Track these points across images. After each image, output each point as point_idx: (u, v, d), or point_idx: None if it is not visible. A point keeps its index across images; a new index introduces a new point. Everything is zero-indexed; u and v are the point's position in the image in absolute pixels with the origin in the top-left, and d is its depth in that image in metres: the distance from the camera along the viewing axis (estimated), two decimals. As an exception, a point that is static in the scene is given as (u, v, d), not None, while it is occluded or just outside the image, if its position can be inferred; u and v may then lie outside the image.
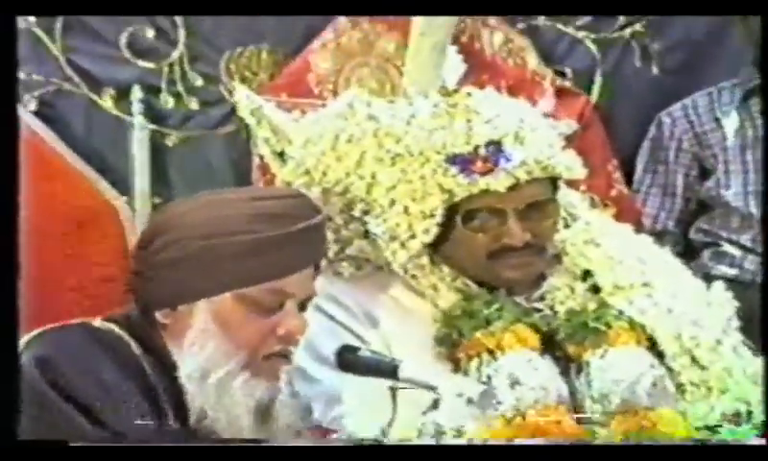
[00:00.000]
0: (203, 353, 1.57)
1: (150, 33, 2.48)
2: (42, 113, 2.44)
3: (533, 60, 2.66)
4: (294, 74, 2.50)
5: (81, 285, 2.27)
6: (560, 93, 2.65)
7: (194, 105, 2.54)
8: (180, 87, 2.52)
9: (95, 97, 2.48)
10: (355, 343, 1.74)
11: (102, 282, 2.27)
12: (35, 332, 1.55)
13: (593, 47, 2.78)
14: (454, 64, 2.30)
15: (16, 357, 1.45)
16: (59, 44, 2.43)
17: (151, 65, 2.50)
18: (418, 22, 2.08)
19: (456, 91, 1.93)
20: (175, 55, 2.51)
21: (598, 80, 2.78)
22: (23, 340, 1.52)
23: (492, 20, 2.64)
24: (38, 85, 2.44)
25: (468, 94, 1.90)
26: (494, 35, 2.63)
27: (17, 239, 1.45)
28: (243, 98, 1.94)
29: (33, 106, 2.43)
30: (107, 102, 2.48)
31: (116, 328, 1.59)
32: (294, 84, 2.47)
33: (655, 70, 2.81)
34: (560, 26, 2.74)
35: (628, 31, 2.77)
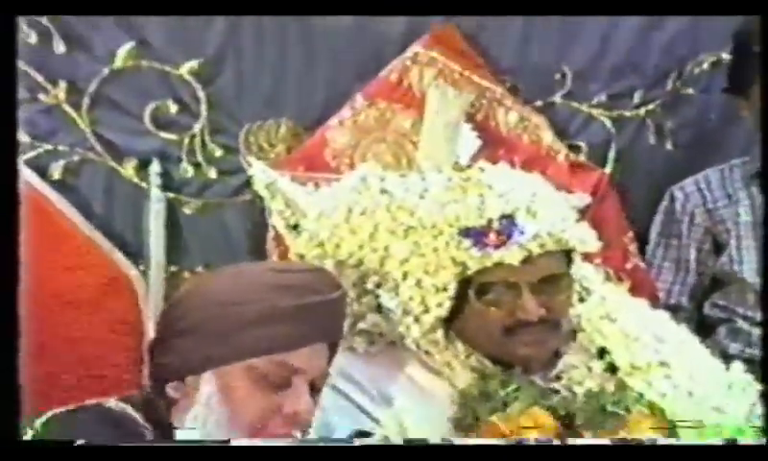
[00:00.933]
0: (203, 429, 1.54)
1: (173, 108, 2.53)
2: (66, 182, 2.50)
3: (548, 137, 2.69)
4: (311, 149, 2.54)
5: (90, 358, 2.27)
6: (574, 168, 2.68)
7: (213, 174, 2.58)
8: (199, 157, 2.57)
9: (117, 166, 2.52)
10: (369, 423, 1.73)
11: (112, 354, 2.28)
12: (48, 414, 1.54)
13: (608, 123, 2.80)
14: (469, 140, 2.33)
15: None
16: (85, 118, 2.50)
17: (173, 137, 2.55)
18: (432, 100, 2.12)
19: (469, 166, 1.96)
20: (196, 127, 2.56)
21: (612, 154, 2.80)
22: (37, 423, 1.51)
23: (508, 100, 2.68)
24: (64, 155, 2.50)
25: (481, 169, 1.93)
26: (510, 113, 2.66)
27: (18, 310, 1.45)
28: (258, 172, 1.98)
29: (57, 174, 2.49)
30: (128, 171, 2.53)
31: (130, 410, 1.58)
32: (311, 159, 2.51)
33: (669, 146, 2.84)
34: (575, 104, 2.77)
35: (643, 109, 2.80)
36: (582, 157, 2.77)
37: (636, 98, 2.80)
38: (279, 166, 2.40)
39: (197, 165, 2.57)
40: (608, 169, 2.77)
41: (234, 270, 1.75)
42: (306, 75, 2.60)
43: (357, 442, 1.56)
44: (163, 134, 2.54)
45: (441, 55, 2.60)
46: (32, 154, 2.47)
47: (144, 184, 2.53)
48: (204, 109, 2.55)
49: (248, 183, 2.39)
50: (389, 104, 2.57)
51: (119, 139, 2.52)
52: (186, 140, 2.55)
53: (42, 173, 2.47)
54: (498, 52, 2.71)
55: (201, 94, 2.54)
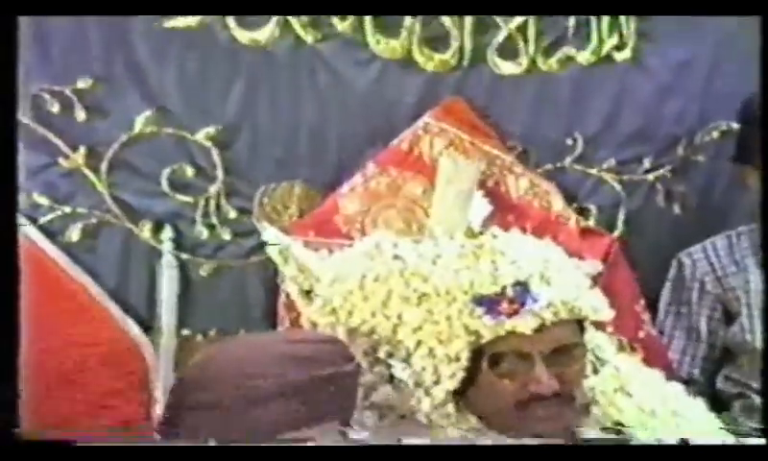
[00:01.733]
0: None
1: (190, 172, 2.57)
2: (83, 244, 2.53)
3: (558, 203, 2.72)
4: (322, 214, 2.57)
5: (94, 427, 2.26)
6: (585, 233, 2.70)
7: (227, 235, 2.61)
8: (214, 219, 2.60)
9: (133, 227, 2.55)
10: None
11: (117, 425, 2.27)
12: None
13: (618, 187, 2.83)
14: (480, 206, 2.36)
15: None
16: (104, 181, 2.53)
17: (188, 199, 2.58)
18: (444, 170, 2.15)
19: (482, 233, 1.98)
20: (212, 190, 2.59)
21: (622, 217, 2.83)
22: None
23: (518, 167, 2.71)
24: (82, 217, 2.54)
25: (494, 236, 1.94)
26: (520, 180, 2.70)
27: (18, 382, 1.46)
28: (271, 238, 1.99)
29: (75, 236, 2.52)
30: (144, 233, 2.56)
31: None
32: (322, 224, 2.54)
33: (677, 210, 2.86)
34: (586, 168, 2.80)
35: (652, 174, 2.83)
36: (591, 221, 2.80)
37: (646, 163, 2.83)
38: (291, 231, 2.43)
39: (211, 227, 2.60)
40: (617, 232, 2.81)
41: (248, 340, 1.74)
42: (319, 139, 2.64)
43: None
44: (179, 197, 2.58)
45: (451, 125, 2.66)
46: (50, 216, 2.50)
47: (159, 246, 2.56)
48: (220, 172, 2.59)
49: (261, 245, 2.42)
50: (400, 171, 2.61)
51: (136, 201, 2.56)
52: (201, 202, 2.59)
53: (60, 235, 2.50)
54: (509, 119, 2.75)
55: (217, 158, 2.58)
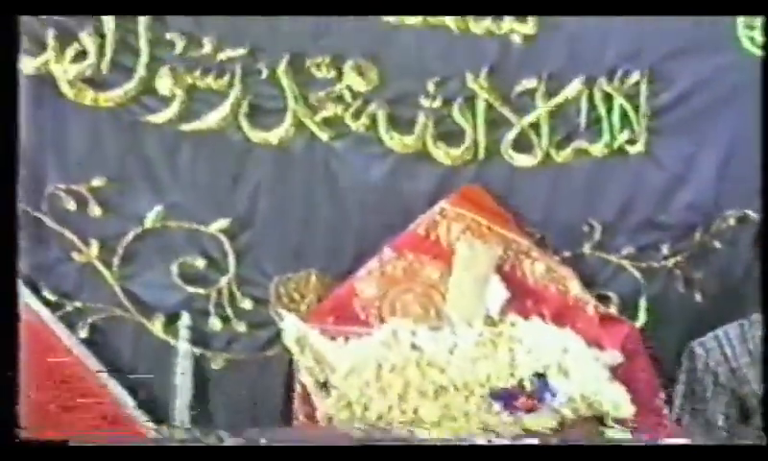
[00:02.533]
0: None
1: (201, 263, 2.57)
2: (93, 340, 2.52)
3: (575, 287, 2.68)
4: (340, 299, 2.55)
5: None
6: (603, 320, 2.65)
7: (242, 328, 2.59)
8: (228, 311, 2.58)
9: (145, 321, 2.53)
10: None
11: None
12: None
13: (638, 274, 2.79)
14: (497, 292, 2.34)
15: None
16: (116, 274, 2.54)
17: (201, 291, 2.58)
18: (460, 256, 2.13)
19: (501, 321, 1.95)
20: (223, 281, 2.58)
21: (644, 304, 2.79)
22: None
23: (535, 252, 2.70)
24: (92, 312, 2.53)
25: (512, 324, 1.92)
26: (536, 264, 2.68)
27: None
28: (288, 325, 1.97)
29: (84, 333, 2.52)
30: (155, 326, 2.54)
31: None
32: (339, 309, 2.52)
33: (698, 297, 2.82)
34: (604, 255, 2.78)
35: (671, 261, 2.80)
36: (612, 308, 2.76)
37: (665, 250, 2.81)
38: (309, 317, 2.41)
39: (225, 318, 2.59)
40: (640, 321, 2.76)
41: None
42: (335, 230, 2.65)
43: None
44: (191, 289, 2.57)
45: (468, 210, 2.66)
46: (60, 312, 2.50)
47: (172, 341, 2.54)
48: (232, 263, 2.58)
49: (277, 337, 2.40)
50: (417, 255, 2.60)
51: (147, 294, 2.56)
52: (214, 294, 2.58)
53: (71, 329, 2.50)
54: (527, 207, 2.76)
55: (229, 249, 2.58)
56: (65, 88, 2.47)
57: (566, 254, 2.77)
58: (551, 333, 1.92)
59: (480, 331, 1.88)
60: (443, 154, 2.69)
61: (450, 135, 2.71)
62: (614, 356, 2.09)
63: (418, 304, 2.49)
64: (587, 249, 2.79)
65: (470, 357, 1.82)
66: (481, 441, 1.72)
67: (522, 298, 2.52)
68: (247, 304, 2.59)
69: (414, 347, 1.88)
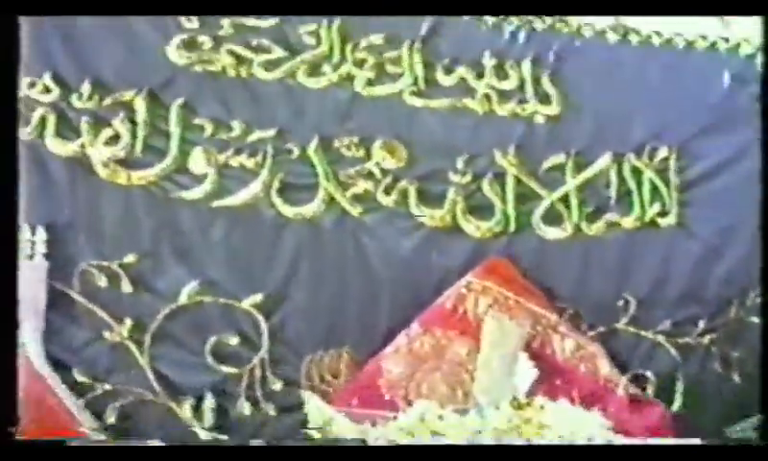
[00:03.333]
0: None
1: (234, 340, 2.57)
2: (121, 426, 2.51)
3: (605, 367, 2.65)
4: (366, 380, 2.54)
5: None
6: (633, 402, 2.59)
7: (272, 411, 2.56)
8: (258, 393, 2.56)
9: (173, 405, 2.54)
10: None
11: None
12: None
13: (674, 351, 2.74)
14: (526, 371, 2.30)
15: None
16: (146, 354, 2.55)
17: (233, 370, 2.57)
18: (489, 332, 2.11)
19: (529, 404, 1.91)
20: (255, 360, 2.58)
21: (680, 386, 2.74)
22: None
23: (563, 327, 2.67)
24: (122, 395, 2.53)
25: (542, 407, 1.88)
26: (566, 341, 2.65)
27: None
28: (313, 409, 1.95)
29: (113, 418, 2.51)
30: (184, 412, 2.54)
31: None
32: (365, 390, 2.50)
33: (736, 378, 2.76)
34: (639, 331, 2.73)
35: (707, 337, 2.74)
36: (649, 389, 2.70)
37: (701, 325, 2.76)
38: (334, 399, 2.40)
39: (255, 402, 2.57)
40: (676, 404, 2.70)
41: None
42: (367, 305, 2.65)
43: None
44: (224, 368, 2.56)
45: (494, 283, 2.65)
46: (90, 395, 2.50)
47: (198, 428, 2.51)
48: (265, 340, 2.58)
49: (305, 422, 2.36)
50: (444, 331, 2.59)
51: (178, 376, 2.55)
52: (246, 374, 2.57)
53: (99, 415, 2.48)
54: (559, 280, 2.74)
55: (263, 326, 2.58)
56: (99, 169, 2.53)
57: (601, 329, 2.74)
58: (580, 418, 1.87)
59: (509, 416, 1.83)
60: (473, 227, 2.70)
61: (480, 209, 2.72)
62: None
63: (445, 384, 2.46)
64: (621, 324, 2.75)
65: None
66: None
67: (551, 377, 2.48)
68: (277, 385, 2.57)
69: (434, 433, 1.84)
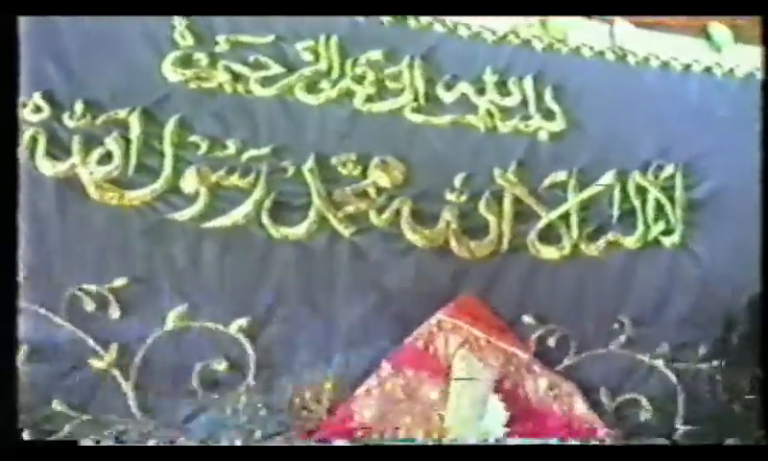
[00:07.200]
0: None
1: (221, 366, 2.54)
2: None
3: (580, 406, 2.59)
4: (338, 421, 2.48)
5: None
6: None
7: (258, 436, 2.52)
8: (243, 419, 2.53)
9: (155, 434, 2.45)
10: None
11: None
12: None
13: (673, 376, 2.70)
14: (497, 413, 2.26)
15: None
16: (131, 383, 2.49)
17: (217, 397, 2.52)
18: (458, 374, 2.08)
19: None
20: (242, 387, 2.54)
21: (680, 412, 2.69)
22: None
23: (536, 366, 2.62)
24: (104, 426, 2.44)
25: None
26: (539, 381, 2.60)
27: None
28: None
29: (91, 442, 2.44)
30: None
31: None
32: (338, 433, 2.44)
33: (737, 407, 2.70)
34: (636, 355, 2.71)
35: (708, 364, 2.70)
36: (642, 414, 2.65)
37: (702, 351, 2.72)
38: (313, 434, 2.36)
39: (241, 429, 2.48)
40: (677, 433, 2.63)
41: None
42: (355, 328, 2.60)
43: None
44: (211, 395, 2.52)
45: (465, 323, 2.60)
46: (68, 427, 2.33)
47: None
48: (252, 365, 2.55)
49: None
50: (415, 372, 2.54)
51: (161, 405, 2.49)
52: (233, 401, 2.52)
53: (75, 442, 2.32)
54: (551, 301, 2.70)
55: (250, 351, 2.56)
56: (91, 190, 2.49)
57: (594, 352, 2.69)
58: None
59: (481, 458, 1.80)
60: (463, 248, 2.65)
61: (474, 230, 2.68)
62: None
63: (417, 427, 2.40)
64: (615, 347, 2.70)
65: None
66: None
67: (524, 420, 2.43)
68: (263, 413, 2.54)
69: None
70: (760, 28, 2.54)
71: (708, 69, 2.80)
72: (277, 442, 2.16)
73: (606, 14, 2.72)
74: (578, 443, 1.79)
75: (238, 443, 2.48)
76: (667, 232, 2.74)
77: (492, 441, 1.90)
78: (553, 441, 1.62)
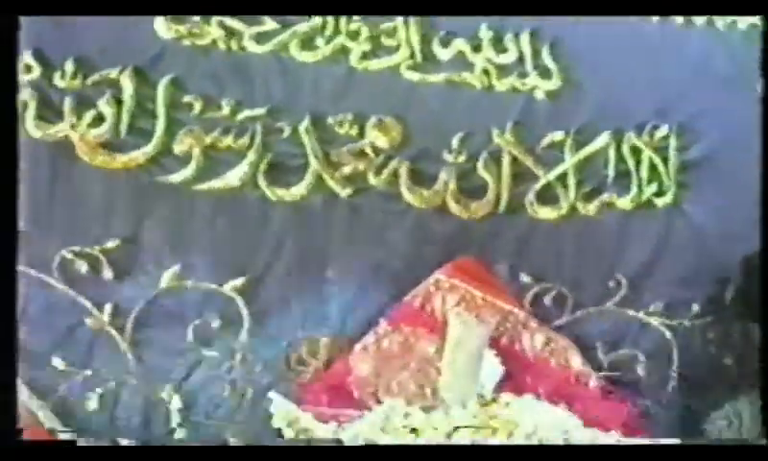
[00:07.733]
0: None
1: (215, 323, 2.56)
2: (102, 410, 2.50)
3: (576, 361, 2.62)
4: (335, 378, 2.51)
5: None
6: (605, 397, 2.57)
7: (250, 394, 2.53)
8: (238, 375, 2.55)
9: (153, 390, 2.53)
10: None
11: None
12: None
13: (667, 332, 2.72)
14: (492, 369, 2.28)
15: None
16: (128, 340, 2.52)
17: (214, 354, 2.55)
18: (453, 331, 2.09)
19: (494, 400, 1.90)
20: (236, 344, 2.56)
21: (674, 367, 2.71)
22: None
23: (533, 322, 2.64)
24: (102, 382, 2.52)
25: (507, 404, 1.87)
26: (535, 336, 2.62)
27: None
28: (280, 408, 1.96)
29: (95, 403, 2.50)
30: (164, 396, 2.53)
31: None
32: (334, 389, 2.48)
33: (728, 361, 2.70)
34: (630, 312, 2.72)
35: (701, 320, 2.71)
36: (639, 369, 2.69)
37: (695, 309, 2.73)
38: (303, 397, 2.38)
39: (235, 385, 2.53)
40: (670, 385, 2.66)
41: None
42: (351, 288, 2.62)
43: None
44: (205, 352, 2.55)
45: (462, 281, 2.61)
46: (68, 383, 2.47)
47: (175, 410, 2.47)
48: (246, 324, 2.57)
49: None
50: (412, 329, 2.56)
51: (159, 361, 2.53)
52: (227, 357, 2.55)
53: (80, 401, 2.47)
54: (548, 260, 2.71)
55: (244, 311, 2.57)
56: (82, 152, 2.49)
57: (591, 309, 2.71)
58: (547, 414, 1.86)
59: (474, 413, 1.82)
60: (461, 208, 2.65)
61: (472, 191, 2.68)
62: (615, 438, 2.00)
63: (413, 382, 2.42)
64: (611, 304, 2.72)
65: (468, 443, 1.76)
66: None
67: (521, 374, 2.46)
68: (258, 368, 2.56)
69: (412, 430, 1.84)
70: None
71: (710, 21, 2.76)
72: (272, 394, 2.17)
73: (606, 14, 2.69)
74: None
75: (227, 394, 2.51)
76: (660, 194, 2.73)
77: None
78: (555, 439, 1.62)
